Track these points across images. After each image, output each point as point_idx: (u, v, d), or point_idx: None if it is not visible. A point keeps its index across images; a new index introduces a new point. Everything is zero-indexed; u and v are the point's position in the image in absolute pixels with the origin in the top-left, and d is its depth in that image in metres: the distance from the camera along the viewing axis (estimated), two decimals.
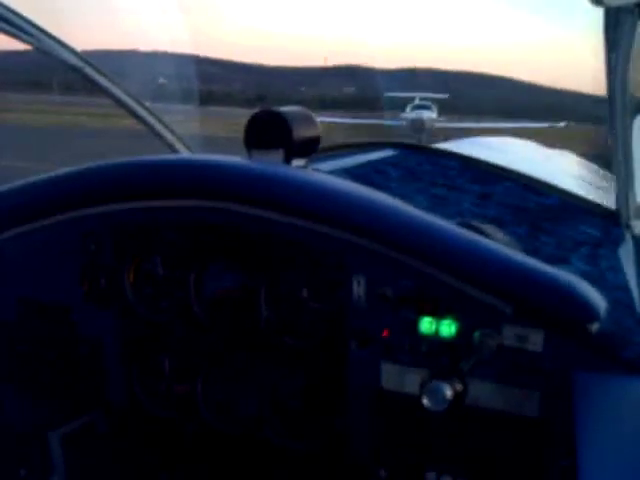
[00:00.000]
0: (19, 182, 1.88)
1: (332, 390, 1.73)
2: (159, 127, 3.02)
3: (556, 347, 1.45)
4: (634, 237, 2.31)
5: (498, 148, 4.32)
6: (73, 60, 2.54)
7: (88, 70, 2.62)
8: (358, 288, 1.61)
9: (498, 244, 1.56)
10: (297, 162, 1.79)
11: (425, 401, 1.37)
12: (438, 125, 32.26)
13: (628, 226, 2.35)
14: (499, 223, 2.05)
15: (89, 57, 2.62)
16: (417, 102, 35.03)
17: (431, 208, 2.02)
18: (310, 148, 1.84)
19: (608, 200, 2.53)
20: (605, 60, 1.80)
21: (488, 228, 1.73)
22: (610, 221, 2.41)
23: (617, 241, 2.28)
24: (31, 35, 2.33)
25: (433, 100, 36.33)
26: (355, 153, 3.11)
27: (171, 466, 2.08)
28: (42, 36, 2.36)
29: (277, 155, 1.75)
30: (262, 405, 1.83)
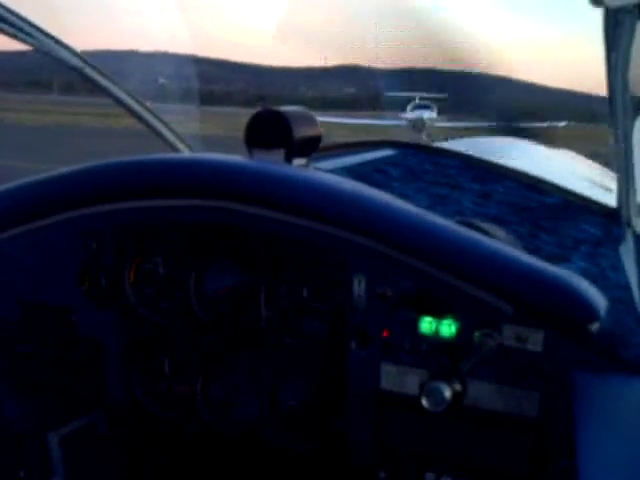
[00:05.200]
0: (19, 182, 1.88)
1: (332, 390, 1.73)
2: (160, 127, 3.02)
3: (556, 347, 1.45)
4: (635, 236, 2.30)
5: (498, 148, 4.32)
6: (73, 60, 2.54)
7: (88, 70, 2.62)
8: (358, 288, 1.61)
9: (499, 243, 1.56)
10: (298, 161, 1.79)
11: (424, 402, 1.37)
12: (438, 125, 32.22)
13: (629, 225, 2.35)
14: (500, 222, 2.04)
15: (89, 57, 2.62)
16: (417, 102, 34.99)
17: (432, 207, 2.02)
18: (311, 147, 1.84)
19: (609, 199, 2.52)
20: (605, 60, 1.79)
21: (489, 227, 1.73)
22: (611, 220, 2.40)
23: (618, 240, 2.27)
24: (31, 36, 2.33)
25: (433, 100, 36.27)
26: (355, 152, 3.10)
27: (171, 466, 2.08)
28: (42, 36, 2.36)
29: (278, 154, 1.75)
30: (262, 405, 1.82)
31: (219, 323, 1.82)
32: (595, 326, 1.40)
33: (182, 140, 3.15)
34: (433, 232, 1.51)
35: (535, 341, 1.46)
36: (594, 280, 1.48)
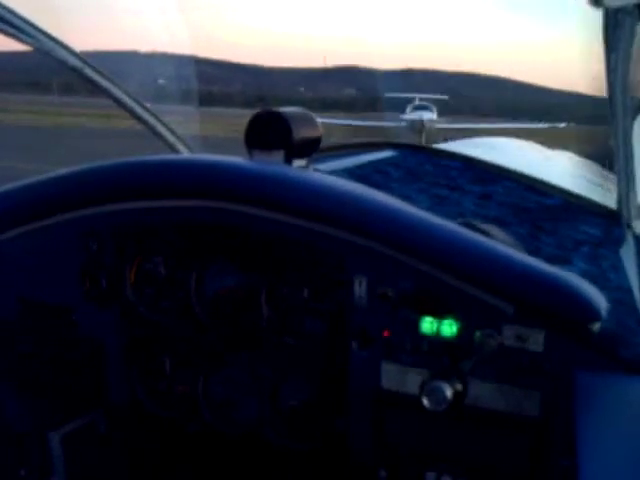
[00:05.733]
0: (19, 182, 1.88)
1: (333, 390, 1.73)
2: (159, 128, 3.01)
3: (557, 347, 1.45)
4: (635, 237, 2.31)
5: (498, 148, 4.32)
6: (73, 61, 2.53)
7: (88, 71, 2.62)
8: (359, 288, 1.61)
9: (499, 244, 1.56)
10: (298, 162, 1.79)
11: (425, 401, 1.37)
12: (438, 126, 32.27)
13: (629, 226, 2.35)
14: (500, 223, 2.05)
15: (89, 58, 2.62)
16: (417, 103, 35.04)
17: (432, 208, 2.02)
18: (310, 148, 1.84)
19: (609, 200, 2.53)
20: (605, 61, 1.79)
21: (489, 228, 1.73)
22: (611, 221, 2.41)
23: (618, 241, 2.28)
24: (31, 36, 2.33)
25: (433, 101, 36.33)
26: (356, 153, 3.11)
27: (172, 466, 2.07)
28: (42, 37, 2.36)
29: (278, 155, 1.75)
30: (263, 405, 1.82)
31: (220, 323, 1.82)
32: (596, 326, 1.40)
33: (182, 141, 3.15)
34: (433, 233, 1.52)
35: (536, 341, 1.46)
36: (594, 281, 1.48)
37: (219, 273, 1.82)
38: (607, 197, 2.70)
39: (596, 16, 1.57)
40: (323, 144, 1.95)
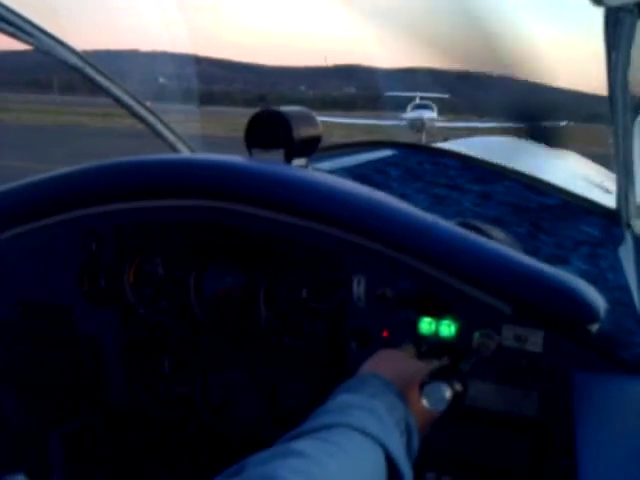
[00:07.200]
0: (19, 182, 1.88)
1: (332, 390, 1.72)
2: (160, 127, 3.01)
3: (556, 347, 1.45)
4: (634, 237, 2.30)
5: (498, 148, 4.33)
6: (73, 60, 2.53)
7: (88, 70, 2.62)
8: (358, 288, 1.61)
9: (498, 244, 1.56)
10: (298, 161, 1.79)
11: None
12: (438, 125, 32.23)
13: (629, 226, 2.35)
14: (499, 223, 2.05)
15: (89, 57, 2.62)
16: (417, 102, 34.99)
17: (431, 208, 2.02)
18: (311, 147, 1.84)
19: (608, 199, 2.53)
20: (605, 59, 1.79)
21: (488, 228, 1.73)
22: (610, 221, 2.40)
23: (617, 241, 2.27)
24: (31, 35, 2.33)
25: (433, 100, 36.27)
26: (355, 153, 3.11)
27: (171, 466, 2.07)
28: (42, 36, 2.36)
29: (278, 155, 1.75)
30: (262, 405, 1.82)
31: (219, 323, 1.82)
32: (595, 326, 1.40)
33: (182, 140, 3.15)
34: (432, 233, 1.51)
35: (534, 341, 1.46)
36: (593, 281, 1.47)
37: (218, 273, 1.82)
38: (606, 197, 2.70)
39: (597, 14, 1.57)
40: (323, 143, 1.95)
